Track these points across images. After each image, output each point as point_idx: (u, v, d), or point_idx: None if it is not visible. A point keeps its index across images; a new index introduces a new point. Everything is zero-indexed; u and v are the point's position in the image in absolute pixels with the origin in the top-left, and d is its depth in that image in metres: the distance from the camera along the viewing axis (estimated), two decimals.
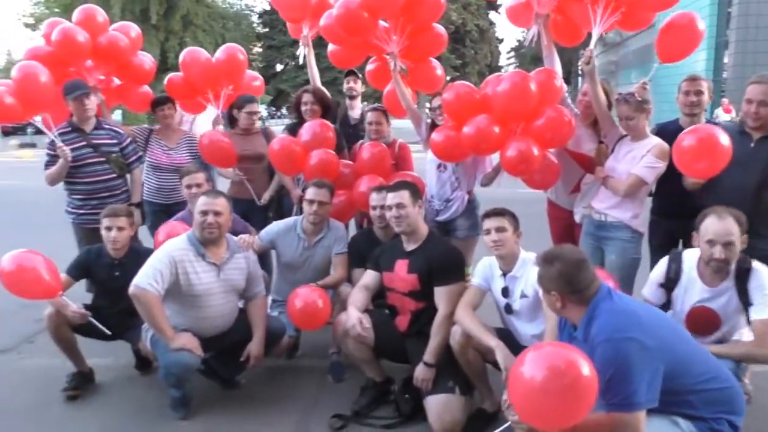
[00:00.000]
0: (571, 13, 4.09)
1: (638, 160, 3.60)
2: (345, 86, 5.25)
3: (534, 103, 3.68)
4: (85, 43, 4.65)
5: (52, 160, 4.38)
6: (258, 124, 4.90)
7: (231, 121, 4.90)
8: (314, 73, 5.04)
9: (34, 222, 9.15)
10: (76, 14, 4.83)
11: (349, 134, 5.00)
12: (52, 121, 4.35)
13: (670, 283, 3.06)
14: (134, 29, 5.11)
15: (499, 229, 3.19)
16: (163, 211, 4.87)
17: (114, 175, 4.51)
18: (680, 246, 3.86)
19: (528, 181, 3.99)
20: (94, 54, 4.78)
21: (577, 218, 4.06)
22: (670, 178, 3.61)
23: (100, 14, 4.91)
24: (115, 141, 4.53)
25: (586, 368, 2.02)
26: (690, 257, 3.03)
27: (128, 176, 4.65)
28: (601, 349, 2.21)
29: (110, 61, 4.88)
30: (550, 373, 2.01)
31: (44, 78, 4.27)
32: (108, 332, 3.72)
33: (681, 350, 2.31)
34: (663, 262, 3.14)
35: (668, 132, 3.75)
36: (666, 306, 3.10)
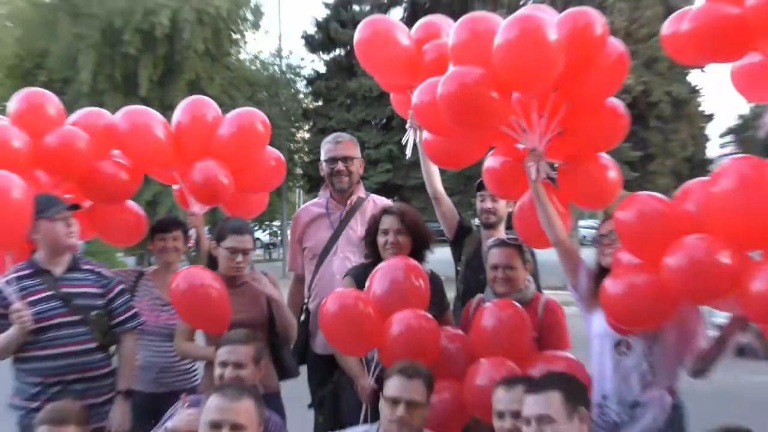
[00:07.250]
0: None
1: None
2: (477, 205, 3.64)
3: None
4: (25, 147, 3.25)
5: None
6: (246, 269, 3.24)
7: (210, 261, 3.32)
8: (431, 172, 3.54)
9: None
10: (13, 103, 3.38)
11: (479, 281, 3.40)
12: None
13: None
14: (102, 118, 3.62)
15: None
16: (149, 405, 3.35)
17: (94, 345, 3.14)
18: None
19: None
20: (38, 161, 3.33)
21: None
22: None
23: (52, 104, 3.45)
24: (98, 289, 3.20)
25: None
26: None
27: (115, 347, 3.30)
28: None
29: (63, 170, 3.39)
30: None
31: (18, 193, 3.01)
32: None
33: None
34: None
35: None
36: None
